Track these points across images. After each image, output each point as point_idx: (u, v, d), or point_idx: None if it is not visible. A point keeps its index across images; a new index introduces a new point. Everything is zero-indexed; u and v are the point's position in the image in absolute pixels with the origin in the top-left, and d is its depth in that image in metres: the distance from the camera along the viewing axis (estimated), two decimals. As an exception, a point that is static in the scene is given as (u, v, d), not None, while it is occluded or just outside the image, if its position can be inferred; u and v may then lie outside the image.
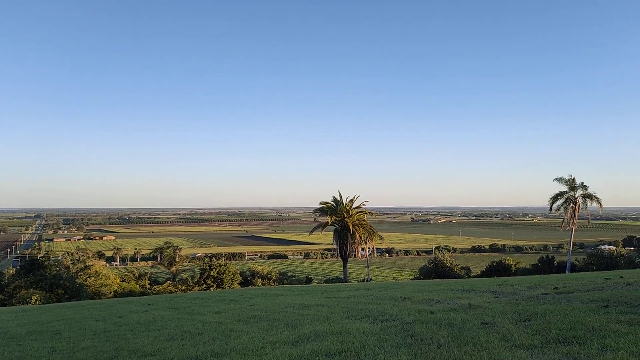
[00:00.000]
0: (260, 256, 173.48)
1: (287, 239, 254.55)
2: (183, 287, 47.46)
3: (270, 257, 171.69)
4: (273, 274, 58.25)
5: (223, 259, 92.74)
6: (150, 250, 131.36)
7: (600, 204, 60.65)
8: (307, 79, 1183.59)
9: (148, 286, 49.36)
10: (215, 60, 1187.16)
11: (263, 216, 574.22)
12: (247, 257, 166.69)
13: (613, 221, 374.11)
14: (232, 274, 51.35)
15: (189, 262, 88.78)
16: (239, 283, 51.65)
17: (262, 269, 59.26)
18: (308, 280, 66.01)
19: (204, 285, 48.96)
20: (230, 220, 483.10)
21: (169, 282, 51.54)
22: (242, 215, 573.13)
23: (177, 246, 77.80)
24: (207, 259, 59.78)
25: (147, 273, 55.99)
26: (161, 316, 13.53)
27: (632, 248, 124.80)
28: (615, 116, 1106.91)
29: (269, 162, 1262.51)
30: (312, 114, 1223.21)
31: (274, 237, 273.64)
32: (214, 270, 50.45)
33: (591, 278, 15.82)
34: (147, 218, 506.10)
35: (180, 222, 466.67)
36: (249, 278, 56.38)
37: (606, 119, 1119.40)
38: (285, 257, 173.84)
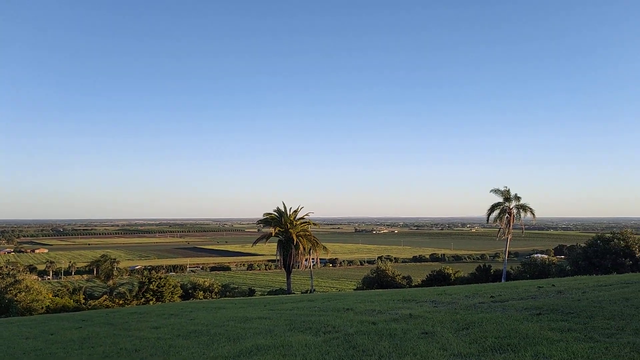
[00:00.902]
0: (203, 268, 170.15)
1: (230, 250, 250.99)
2: (120, 302, 45.78)
3: (213, 269, 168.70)
4: (215, 286, 57.21)
5: (163, 271, 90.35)
6: (86, 264, 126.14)
7: (534, 214, 63.38)
8: (228, 82, 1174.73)
9: (83, 301, 47.36)
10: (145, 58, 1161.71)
11: (206, 227, 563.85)
12: (188, 269, 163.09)
13: (545, 231, 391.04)
14: (173, 287, 50.03)
15: (127, 275, 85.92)
16: (179, 296, 50.37)
17: (204, 282, 58.09)
18: (251, 292, 65.26)
19: (143, 299, 47.43)
20: (171, 232, 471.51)
21: (105, 296, 49.65)
22: (184, 227, 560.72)
23: (114, 259, 74.90)
24: (146, 272, 57.96)
25: (82, 287, 53.79)
26: (96, 332, 12.98)
27: (562, 256, 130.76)
28: (549, 132, 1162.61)
29: (210, 171, 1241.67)
30: (250, 124, 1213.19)
31: (216, 248, 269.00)
32: (153, 283, 48.98)
33: (525, 286, 16.45)
34: (83, 230, 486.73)
35: (118, 233, 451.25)
36: (190, 291, 55.11)
37: (539, 133, 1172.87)
38: (228, 268, 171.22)
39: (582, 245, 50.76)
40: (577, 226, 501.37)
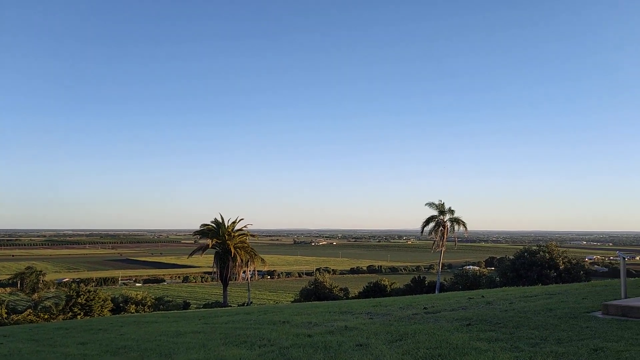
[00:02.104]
0: (136, 281, 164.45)
1: (165, 262, 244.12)
2: (46, 316, 43.46)
3: (146, 281, 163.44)
4: (148, 299, 55.45)
5: (93, 284, 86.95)
6: (9, 276, 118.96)
7: (466, 227, 65.69)
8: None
9: (5, 316, 44.59)
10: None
11: (140, 238, 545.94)
12: (120, 282, 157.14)
13: (477, 243, 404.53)
14: (103, 300, 48.12)
15: (54, 288, 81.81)
16: (110, 310, 48.47)
17: (137, 295, 56.17)
18: (186, 305, 63.73)
19: (70, 313, 45.28)
20: (103, 243, 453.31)
21: (29, 310, 46.95)
22: (117, 238, 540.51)
23: (40, 271, 71.05)
24: (74, 285, 55.49)
25: (5, 301, 50.70)
26: (18, 349, 12.24)
27: (492, 268, 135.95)
28: (481, 147, 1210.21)
29: (144, 181, 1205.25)
30: (186, 131, 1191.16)
31: (151, 260, 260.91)
32: (81, 296, 46.91)
33: (457, 297, 16.95)
34: (7, 240, 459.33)
35: (45, 244, 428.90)
36: (121, 304, 53.10)
37: (472, 148, 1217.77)
38: (162, 281, 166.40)
39: (511, 257, 52.99)
40: (507, 239, 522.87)
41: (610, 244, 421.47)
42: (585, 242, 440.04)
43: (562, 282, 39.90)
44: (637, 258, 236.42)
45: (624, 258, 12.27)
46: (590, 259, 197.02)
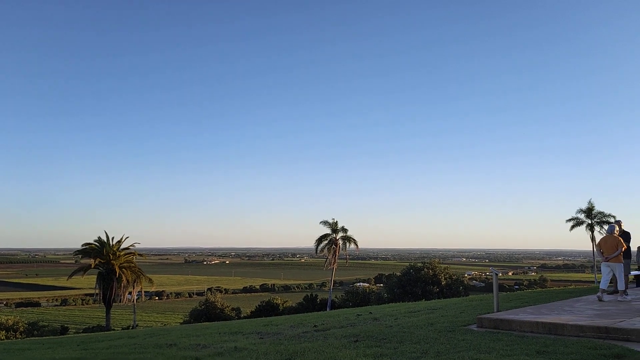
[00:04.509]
0: (7, 304, 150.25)
1: (42, 284, 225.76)
2: None
3: (19, 305, 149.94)
4: (20, 324, 50.97)
5: (-46, 309, 78.12)
6: None
7: (357, 245, 67.83)
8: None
9: None
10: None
11: (12, 258, 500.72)
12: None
13: (367, 260, 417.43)
14: (-34, 327, 43.48)
15: None
16: (-26, 338, 43.85)
17: (7, 320, 51.38)
18: (64, 330, 59.25)
19: None
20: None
21: None
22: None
23: None
24: None
25: None
26: None
27: (381, 285, 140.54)
28: (367, 166, 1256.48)
29: (19, 194, 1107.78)
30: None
31: (24, 282, 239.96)
32: (-60, 324, 42.05)
33: (346, 314, 17.35)
34: None
35: None
36: (-12, 331, 48.28)
37: (358, 167, 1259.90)
38: (37, 304, 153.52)
39: (398, 274, 55.24)
40: (395, 256, 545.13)
41: (487, 260, 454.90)
42: (465, 259, 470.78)
43: (444, 297, 42.29)
44: (510, 274, 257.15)
45: (497, 274, 13.32)
46: (469, 275, 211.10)
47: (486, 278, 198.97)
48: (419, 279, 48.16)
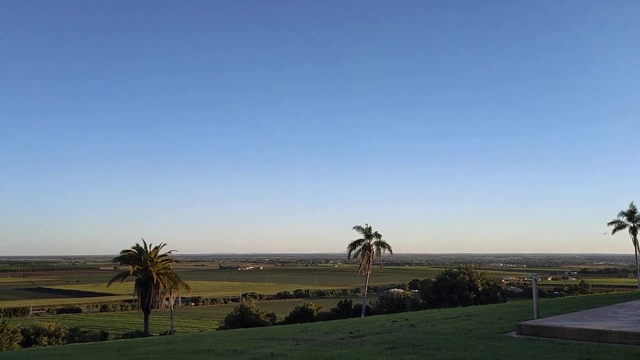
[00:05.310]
0: (49, 311, 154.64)
1: (82, 290, 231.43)
2: (-55, 352, 39.92)
3: (61, 311, 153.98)
4: (62, 330, 52.34)
5: (1, 315, 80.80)
6: None
7: (391, 250, 67.25)
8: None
9: None
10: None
11: (53, 265, 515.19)
12: (31, 312, 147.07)
13: (401, 266, 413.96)
14: (12, 332, 44.83)
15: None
16: (19, 343, 45.22)
17: (49, 326, 52.85)
18: (103, 336, 60.57)
19: (-26, 348, 41.85)
20: (12, 271, 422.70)
21: None
22: (28, 265, 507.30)
23: (-61, 303, 65.89)
24: (-21, 317, 51.49)
25: None
26: None
27: (416, 290, 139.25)
28: (405, 172, 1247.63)
29: (60, 204, 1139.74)
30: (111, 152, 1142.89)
31: (66, 288, 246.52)
32: (-13, 329, 43.53)
33: (381, 321, 17.22)
34: None
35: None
36: (32, 337, 49.74)
37: (396, 173, 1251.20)
38: (78, 310, 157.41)
39: (433, 279, 54.51)
40: (430, 261, 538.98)
41: (525, 265, 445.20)
42: (502, 264, 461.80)
43: (481, 303, 41.50)
44: (549, 279, 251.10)
45: (536, 279, 13.01)
46: (506, 280, 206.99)
47: (524, 283, 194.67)
48: (455, 284, 47.42)
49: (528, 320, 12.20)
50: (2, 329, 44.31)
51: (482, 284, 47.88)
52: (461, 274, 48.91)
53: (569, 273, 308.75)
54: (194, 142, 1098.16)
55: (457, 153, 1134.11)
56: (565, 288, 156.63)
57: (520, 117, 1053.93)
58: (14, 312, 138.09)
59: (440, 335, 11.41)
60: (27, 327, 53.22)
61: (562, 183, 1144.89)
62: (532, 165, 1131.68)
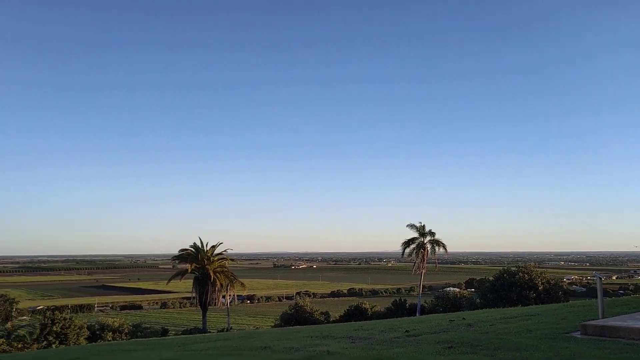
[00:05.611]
0: (112, 307, 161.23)
1: (143, 287, 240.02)
2: (19, 345, 42.21)
3: (123, 307, 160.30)
4: (125, 326, 54.37)
5: (68, 311, 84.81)
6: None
7: (446, 249, 66.11)
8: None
9: (-25, 346, 43.22)
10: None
11: (116, 264, 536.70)
12: (96, 308, 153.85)
13: (457, 265, 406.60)
14: (78, 328, 46.95)
15: (28, 316, 79.85)
16: (86, 338, 47.29)
17: (113, 322, 55.04)
18: (164, 332, 62.48)
19: (45, 342, 44.05)
20: (78, 269, 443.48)
21: (2, 340, 45.58)
22: (93, 263, 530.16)
23: (13, 299, 69.67)
24: (49, 312, 54.06)
25: (-25, 331, 49.09)
26: (-12, 381, 11.89)
27: (472, 289, 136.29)
28: (460, 169, 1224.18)
29: (121, 204, 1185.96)
30: (165, 154, 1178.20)
31: (128, 286, 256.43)
32: (56, 324, 45.72)
33: (438, 320, 16.96)
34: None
35: (18, 271, 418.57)
36: (97, 332, 51.93)
37: (452, 170, 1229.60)
38: (139, 307, 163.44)
39: (491, 278, 53.19)
40: (486, 260, 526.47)
41: (587, 264, 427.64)
42: (563, 263, 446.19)
43: (541, 302, 40.17)
44: (614, 278, 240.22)
45: (601, 278, 12.47)
46: (568, 279, 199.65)
47: (587, 283, 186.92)
48: (513, 283, 46.08)
49: (593, 320, 11.71)
50: (70, 325, 46.45)
51: (542, 283, 46.31)
52: (520, 273, 47.48)
53: (634, 271, 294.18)
54: (249, 141, 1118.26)
55: (517, 153, 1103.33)
56: (631, 287, 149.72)
57: (598, 113, 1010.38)
58: (80, 308, 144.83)
59: (499, 335, 11.13)
60: (92, 323, 55.65)
61: (628, 176, 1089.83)
62: (595, 161, 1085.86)
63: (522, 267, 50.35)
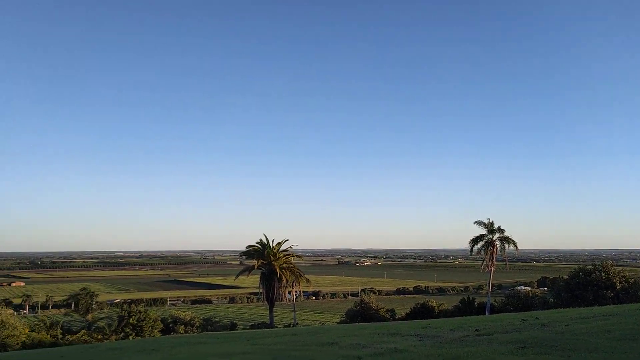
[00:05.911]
0: (183, 301, 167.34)
1: (212, 283, 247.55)
2: (99, 337, 44.70)
3: (194, 302, 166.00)
4: (196, 320, 56.26)
5: (143, 305, 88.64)
6: (64, 297, 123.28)
7: (516, 246, 63.83)
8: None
9: (60, 336, 46.06)
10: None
11: (187, 260, 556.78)
12: (169, 302, 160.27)
13: (528, 263, 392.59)
14: (153, 321, 49.09)
15: (107, 309, 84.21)
16: (159, 330, 49.38)
17: (185, 315, 57.10)
18: (233, 326, 64.19)
19: (122, 333, 46.40)
20: (152, 264, 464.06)
21: (83, 331, 48.41)
22: (165, 259, 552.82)
23: (93, 292, 73.65)
24: (126, 306, 56.86)
25: (60, 322, 52.33)
26: (74, 369, 12.65)
27: (545, 288, 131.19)
28: (525, 169, 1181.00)
29: (191, 204, 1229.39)
30: (231, 155, 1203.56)
31: (198, 281, 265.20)
32: (133, 317, 48.03)
33: (509, 319, 16.46)
34: (62, 262, 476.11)
35: (97, 266, 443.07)
36: (170, 325, 54.07)
37: (517, 170, 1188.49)
38: (209, 302, 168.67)
39: (565, 277, 51.02)
40: (560, 258, 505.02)
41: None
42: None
43: (620, 302, 38.11)
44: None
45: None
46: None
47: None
48: (589, 282, 43.96)
49: (680, 322, 11.00)
50: (145, 318, 48.64)
51: (620, 282, 43.92)
52: (596, 271, 45.24)
53: None
54: (315, 142, 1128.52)
55: (591, 140, 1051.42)
56: None
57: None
58: (154, 302, 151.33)
59: (575, 335, 10.66)
60: (166, 316, 57.96)
61: None
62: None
63: (598, 265, 47.96)
